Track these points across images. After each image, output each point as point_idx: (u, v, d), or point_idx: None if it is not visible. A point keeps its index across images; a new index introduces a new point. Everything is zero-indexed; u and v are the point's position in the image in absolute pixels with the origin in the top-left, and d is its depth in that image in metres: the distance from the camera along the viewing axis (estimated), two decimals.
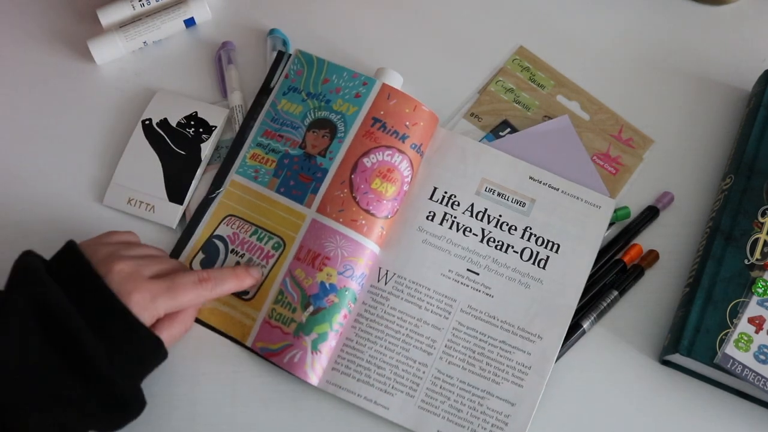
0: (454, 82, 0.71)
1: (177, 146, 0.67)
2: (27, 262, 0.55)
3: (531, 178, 0.67)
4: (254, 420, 0.60)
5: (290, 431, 0.60)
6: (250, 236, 0.64)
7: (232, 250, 0.64)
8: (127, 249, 0.58)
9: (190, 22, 0.71)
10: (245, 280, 0.62)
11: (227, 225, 0.64)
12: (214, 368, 0.62)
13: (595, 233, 0.65)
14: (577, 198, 0.66)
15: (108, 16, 0.70)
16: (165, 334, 0.57)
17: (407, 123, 0.65)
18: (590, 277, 0.64)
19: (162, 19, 0.70)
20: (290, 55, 0.69)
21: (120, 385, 0.53)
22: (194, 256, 0.64)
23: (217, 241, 0.64)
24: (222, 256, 0.64)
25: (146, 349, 0.56)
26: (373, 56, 0.71)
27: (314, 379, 0.60)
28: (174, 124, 0.68)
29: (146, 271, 0.57)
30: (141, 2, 0.71)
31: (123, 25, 0.70)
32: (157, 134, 0.67)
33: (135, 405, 0.55)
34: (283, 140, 0.66)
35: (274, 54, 0.70)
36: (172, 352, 0.58)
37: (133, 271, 0.55)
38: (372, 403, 0.60)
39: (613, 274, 0.65)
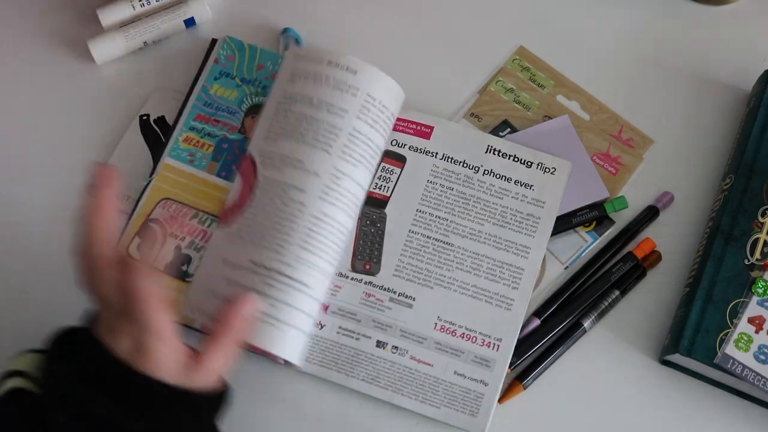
0: (454, 82, 0.71)
1: None
2: (57, 371, 0.49)
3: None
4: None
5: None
6: (191, 219, 0.64)
7: (171, 234, 0.64)
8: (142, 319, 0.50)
9: (190, 22, 0.71)
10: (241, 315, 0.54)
11: (164, 208, 0.64)
12: None
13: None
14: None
15: (108, 16, 0.70)
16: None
17: None
18: (595, 271, 0.65)
19: (162, 19, 0.70)
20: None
21: None
22: (130, 243, 0.63)
23: (153, 225, 0.64)
24: (160, 239, 0.64)
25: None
26: (371, 56, 0.71)
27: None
28: (171, 123, 0.68)
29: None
30: (141, 2, 0.71)
31: (123, 25, 0.70)
32: (153, 131, 0.68)
33: None
34: (220, 125, 0.67)
35: (286, 53, 0.70)
36: None
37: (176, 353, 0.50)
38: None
39: (627, 267, 0.65)
